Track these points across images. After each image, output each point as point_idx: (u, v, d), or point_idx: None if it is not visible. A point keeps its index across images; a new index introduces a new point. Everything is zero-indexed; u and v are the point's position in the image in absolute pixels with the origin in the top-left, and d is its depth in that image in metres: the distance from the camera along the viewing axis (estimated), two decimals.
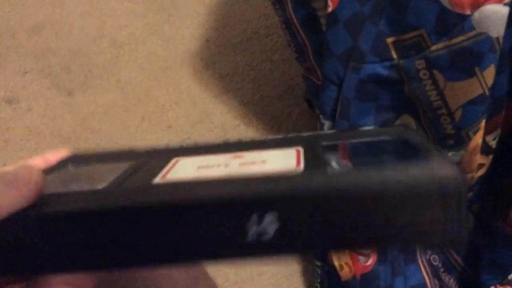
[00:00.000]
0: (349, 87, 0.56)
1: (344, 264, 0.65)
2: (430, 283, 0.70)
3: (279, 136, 0.29)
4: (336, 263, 0.67)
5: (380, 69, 0.52)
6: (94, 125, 1.04)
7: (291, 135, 0.29)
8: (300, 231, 0.20)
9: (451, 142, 0.54)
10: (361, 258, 0.63)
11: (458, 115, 0.52)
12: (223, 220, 0.20)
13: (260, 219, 0.20)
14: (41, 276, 0.22)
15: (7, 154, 1.01)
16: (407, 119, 0.57)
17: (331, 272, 0.72)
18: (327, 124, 0.63)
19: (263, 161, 0.24)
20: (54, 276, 0.22)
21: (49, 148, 1.03)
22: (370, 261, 0.63)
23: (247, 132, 1.02)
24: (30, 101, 1.08)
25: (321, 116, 0.64)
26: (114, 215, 0.21)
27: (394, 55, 0.52)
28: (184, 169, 0.25)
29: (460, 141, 0.54)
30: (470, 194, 0.62)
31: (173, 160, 0.27)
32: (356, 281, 0.64)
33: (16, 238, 0.22)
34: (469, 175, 0.59)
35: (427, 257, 0.72)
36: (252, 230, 0.20)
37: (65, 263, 0.22)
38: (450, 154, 0.56)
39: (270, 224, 0.20)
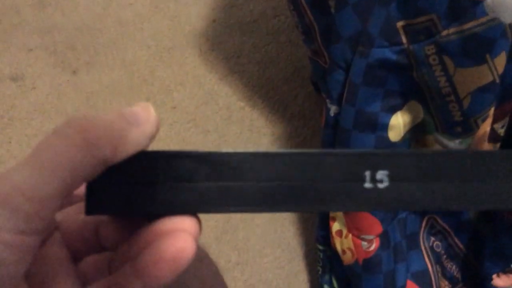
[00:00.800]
0: (356, 71, 0.55)
1: (347, 249, 0.66)
2: (432, 269, 0.70)
3: None
4: (338, 247, 0.67)
5: (389, 54, 0.52)
6: (99, 104, 1.04)
7: None
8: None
9: (459, 129, 0.53)
10: (364, 244, 0.63)
11: (466, 102, 0.51)
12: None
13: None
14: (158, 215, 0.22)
15: (12, 132, 1.01)
16: (415, 106, 0.56)
17: (333, 257, 0.72)
18: (333, 108, 0.62)
19: None
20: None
21: (54, 126, 1.04)
22: (373, 247, 0.63)
23: (253, 115, 1.01)
24: (34, 79, 1.07)
25: (327, 100, 0.63)
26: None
27: (404, 40, 0.51)
28: None
29: (468, 128, 0.53)
30: None
31: None
32: (358, 266, 0.64)
33: (144, 176, 0.22)
34: None
35: (430, 244, 0.72)
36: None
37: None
38: (457, 141, 0.55)
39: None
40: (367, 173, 0.23)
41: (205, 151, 0.23)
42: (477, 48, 0.47)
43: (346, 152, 0.23)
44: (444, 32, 0.48)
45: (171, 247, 0.20)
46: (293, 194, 0.23)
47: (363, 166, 0.23)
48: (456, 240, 0.70)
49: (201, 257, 0.35)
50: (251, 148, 0.98)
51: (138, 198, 0.22)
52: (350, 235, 0.64)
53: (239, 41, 1.10)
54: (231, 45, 1.10)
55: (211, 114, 1.02)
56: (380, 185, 0.23)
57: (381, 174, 0.23)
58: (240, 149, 0.24)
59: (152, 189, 0.22)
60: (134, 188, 0.22)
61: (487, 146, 0.57)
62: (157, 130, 0.22)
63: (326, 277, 0.74)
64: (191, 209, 0.23)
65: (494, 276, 0.66)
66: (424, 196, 0.23)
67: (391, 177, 0.23)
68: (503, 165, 0.24)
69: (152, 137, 0.22)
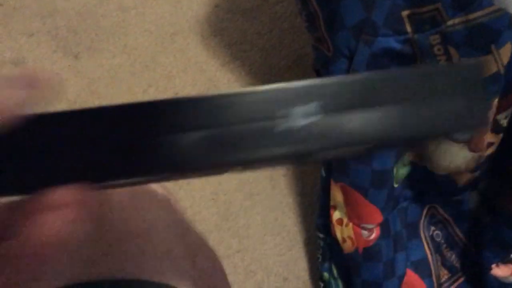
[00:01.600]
0: (360, 60, 0.54)
1: (347, 237, 0.66)
2: (432, 258, 0.71)
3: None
4: (339, 236, 0.67)
5: (394, 43, 0.51)
6: (100, 90, 1.04)
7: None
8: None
9: None
10: (364, 233, 0.64)
11: None
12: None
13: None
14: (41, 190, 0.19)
15: None
16: None
17: (334, 245, 0.73)
18: None
19: None
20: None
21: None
22: (373, 236, 0.63)
23: None
24: (36, 63, 1.07)
25: None
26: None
27: (409, 29, 0.50)
28: None
29: None
30: (478, 172, 0.62)
31: None
32: (358, 254, 0.65)
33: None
34: (478, 154, 0.58)
35: (430, 233, 0.72)
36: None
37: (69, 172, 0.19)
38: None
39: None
40: (298, 108, 0.20)
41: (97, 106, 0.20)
42: (482, 39, 0.46)
43: (271, 88, 0.20)
44: (450, 22, 0.47)
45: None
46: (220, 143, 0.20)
47: (292, 100, 0.20)
48: (456, 230, 0.71)
49: (195, 249, 0.35)
50: None
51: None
52: (351, 224, 0.65)
53: (241, 27, 1.10)
54: (233, 31, 1.09)
55: None
56: (312, 119, 0.20)
57: (312, 107, 0.20)
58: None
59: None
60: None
61: (490, 137, 0.57)
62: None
63: (326, 264, 0.75)
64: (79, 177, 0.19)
65: (494, 265, 0.66)
66: (362, 127, 0.20)
67: (324, 109, 0.20)
68: (447, 82, 0.21)
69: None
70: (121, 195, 0.31)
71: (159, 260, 0.29)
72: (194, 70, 1.06)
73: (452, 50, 0.49)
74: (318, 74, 1.03)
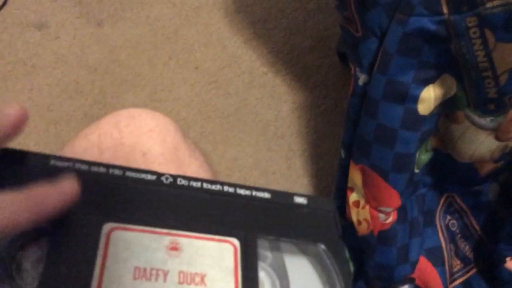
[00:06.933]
0: (392, 40, 0.53)
1: (363, 220, 0.65)
2: (446, 247, 0.70)
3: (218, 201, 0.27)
4: (354, 218, 0.67)
5: (428, 24, 0.50)
6: (121, 59, 1.03)
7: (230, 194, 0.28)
8: None
9: (492, 106, 0.52)
10: (381, 216, 0.63)
11: (503, 79, 0.50)
12: None
13: None
14: None
15: (33, 79, 1.01)
16: (448, 79, 0.54)
17: (347, 227, 0.72)
18: (362, 77, 0.61)
19: (202, 278, 0.24)
20: None
21: (76, 77, 1.03)
22: (390, 219, 0.63)
23: (275, 81, 1.00)
24: (58, 28, 1.07)
25: (357, 69, 0.62)
26: None
27: (445, 10, 0.49)
28: (119, 268, 0.23)
29: (501, 106, 0.52)
30: (501, 163, 0.61)
31: (106, 228, 0.24)
32: (373, 237, 0.64)
33: None
34: (503, 143, 0.57)
35: (446, 222, 0.71)
36: None
37: None
38: (488, 119, 0.54)
39: None
40: None
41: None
42: None
43: None
44: (489, 4, 0.46)
45: None
46: None
47: None
48: (473, 220, 0.70)
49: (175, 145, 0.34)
50: None
51: None
52: (368, 206, 0.64)
53: (266, 5, 1.08)
54: (258, 9, 1.08)
55: (233, 77, 1.01)
56: None
57: None
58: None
59: None
60: None
61: None
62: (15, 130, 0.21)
63: None
64: None
65: (508, 258, 0.66)
66: None
67: None
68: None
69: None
70: None
71: None
72: (215, 46, 1.05)
73: (489, 33, 0.47)
74: (341, 57, 1.02)
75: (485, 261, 0.70)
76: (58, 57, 1.03)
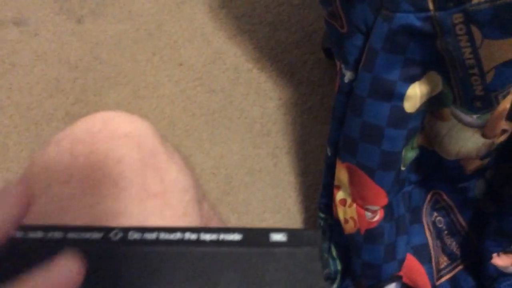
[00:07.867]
0: (377, 36, 0.53)
1: (350, 218, 0.65)
2: (432, 244, 0.70)
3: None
4: (341, 216, 0.67)
5: (414, 20, 0.49)
6: (103, 56, 1.01)
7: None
8: None
9: (479, 104, 0.52)
10: (368, 214, 0.63)
11: (490, 76, 0.49)
12: None
13: None
14: None
15: (13, 78, 0.98)
16: (434, 77, 0.54)
17: (334, 225, 0.72)
18: (348, 74, 0.60)
19: None
20: None
21: (56, 75, 1.00)
22: (376, 218, 0.62)
23: (260, 77, 0.99)
24: (38, 25, 1.04)
25: (342, 66, 0.61)
26: None
27: (431, 6, 0.48)
28: None
29: (488, 103, 0.51)
30: (487, 159, 0.61)
31: None
32: (360, 235, 0.64)
33: None
34: (490, 141, 0.57)
35: (432, 219, 0.71)
36: None
37: None
38: (475, 116, 0.53)
39: None
40: None
41: None
42: (509, 19, 0.45)
43: None
44: (475, 0, 0.46)
45: None
46: None
47: None
48: (459, 217, 0.70)
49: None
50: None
51: None
52: (354, 205, 0.64)
53: (251, 0, 1.07)
54: (242, 4, 1.07)
55: (218, 73, 1.00)
56: None
57: None
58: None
59: None
60: None
61: (504, 124, 0.56)
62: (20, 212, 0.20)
63: (325, 244, 0.74)
64: None
65: (495, 255, 0.66)
66: None
67: None
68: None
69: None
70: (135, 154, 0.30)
71: (176, 222, 0.28)
72: (200, 41, 1.03)
73: (475, 30, 0.47)
74: (327, 53, 1.01)
75: (471, 257, 0.70)
76: (38, 55, 1.01)
